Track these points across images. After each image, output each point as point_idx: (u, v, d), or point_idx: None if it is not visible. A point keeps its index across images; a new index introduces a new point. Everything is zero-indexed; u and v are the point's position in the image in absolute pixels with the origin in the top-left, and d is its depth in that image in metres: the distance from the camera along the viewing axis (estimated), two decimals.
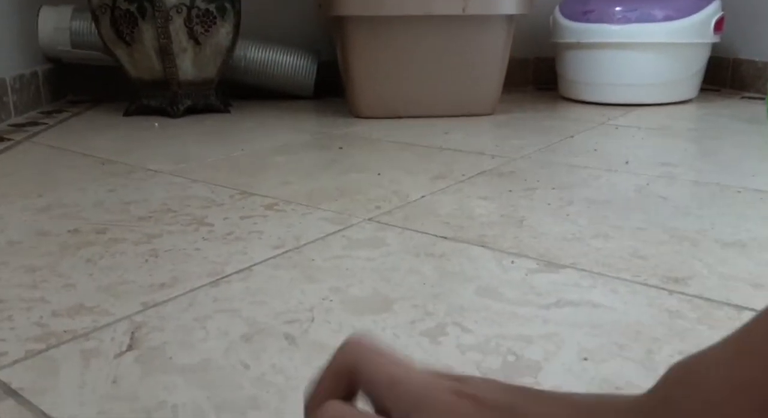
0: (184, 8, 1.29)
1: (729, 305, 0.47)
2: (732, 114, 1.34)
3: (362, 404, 0.23)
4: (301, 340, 0.42)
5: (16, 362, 0.39)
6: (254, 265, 0.55)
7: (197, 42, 1.32)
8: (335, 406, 0.21)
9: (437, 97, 1.33)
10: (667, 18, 1.40)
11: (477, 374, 0.38)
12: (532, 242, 0.60)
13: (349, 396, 0.23)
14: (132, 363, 0.39)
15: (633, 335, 0.42)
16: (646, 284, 0.50)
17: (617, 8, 1.42)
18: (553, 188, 0.78)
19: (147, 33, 1.29)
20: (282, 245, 0.59)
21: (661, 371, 0.18)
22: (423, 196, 0.75)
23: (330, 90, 1.64)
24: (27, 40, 1.43)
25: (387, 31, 1.26)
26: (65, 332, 0.43)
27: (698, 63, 1.47)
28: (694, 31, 1.41)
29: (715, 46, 1.52)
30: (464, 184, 0.81)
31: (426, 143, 1.07)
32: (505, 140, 1.09)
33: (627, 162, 0.92)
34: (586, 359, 0.39)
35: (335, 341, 0.42)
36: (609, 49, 1.44)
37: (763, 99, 1.52)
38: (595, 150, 1.00)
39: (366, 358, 0.22)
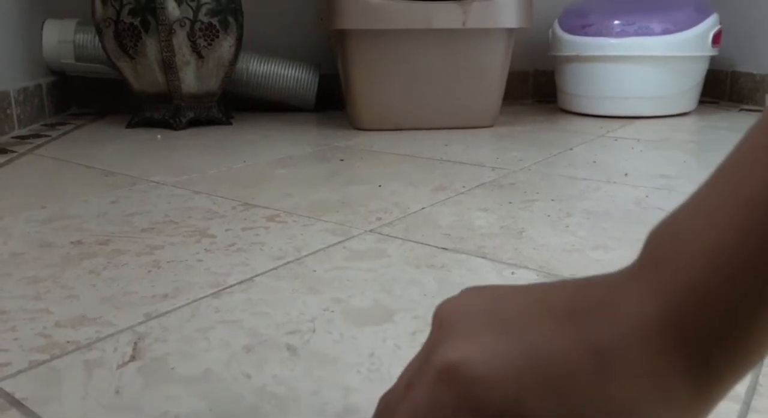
0: (187, 22, 1.30)
1: None
2: (730, 126, 1.35)
3: None
4: (302, 351, 0.42)
5: (19, 372, 0.40)
6: (256, 276, 0.55)
7: (200, 55, 1.34)
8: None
9: (437, 110, 1.34)
10: (666, 31, 1.41)
11: None
12: (532, 254, 0.60)
13: None
14: (135, 374, 0.39)
15: None
16: None
17: (616, 22, 1.44)
18: (553, 200, 0.79)
19: (150, 46, 1.30)
20: (283, 256, 0.60)
21: None
22: (423, 208, 0.76)
23: (331, 103, 1.65)
24: (31, 53, 1.45)
25: (388, 44, 1.27)
26: (68, 342, 0.43)
27: (697, 76, 1.49)
28: (693, 45, 1.43)
29: (713, 59, 1.53)
30: (464, 195, 0.81)
31: (426, 155, 1.08)
32: (505, 152, 1.10)
33: (626, 174, 0.92)
34: None
35: (337, 352, 0.42)
36: (608, 62, 1.45)
37: (761, 111, 1.53)
38: (595, 162, 1.01)
39: None
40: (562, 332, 0.18)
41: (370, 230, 0.67)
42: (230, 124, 1.44)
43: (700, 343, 0.17)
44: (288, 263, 0.58)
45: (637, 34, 1.42)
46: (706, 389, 0.17)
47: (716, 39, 1.45)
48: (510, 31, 1.30)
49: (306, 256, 0.60)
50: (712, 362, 0.17)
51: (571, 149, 1.12)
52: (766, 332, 0.16)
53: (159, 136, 1.29)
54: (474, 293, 0.22)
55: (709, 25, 1.44)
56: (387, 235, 0.66)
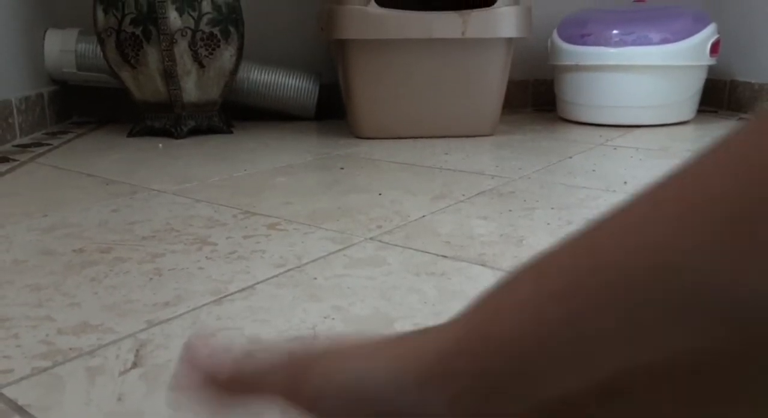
0: (189, 31, 1.31)
1: None
2: None
3: None
4: None
5: (22, 379, 0.40)
6: (257, 283, 0.55)
7: (201, 65, 1.35)
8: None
9: (437, 119, 1.34)
10: (664, 41, 1.42)
11: None
12: None
13: None
14: (137, 380, 0.40)
15: None
16: None
17: (614, 31, 1.45)
18: (552, 208, 0.79)
19: (152, 56, 1.31)
20: (284, 263, 0.60)
21: None
22: (423, 216, 0.76)
23: (331, 111, 1.66)
24: (33, 62, 1.46)
25: (388, 54, 1.28)
26: (71, 349, 0.44)
27: (695, 85, 1.49)
28: (691, 54, 1.44)
29: (711, 69, 1.54)
30: (464, 204, 0.82)
31: (426, 164, 1.08)
32: (505, 161, 1.10)
33: (625, 182, 0.93)
34: None
35: None
36: (607, 71, 1.46)
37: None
38: (594, 171, 1.01)
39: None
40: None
41: (371, 238, 0.68)
42: (231, 133, 1.44)
43: (465, 392, 0.17)
44: (288, 270, 0.58)
45: (635, 43, 1.43)
46: None
47: (714, 48, 1.46)
48: (509, 40, 1.31)
49: (306, 263, 0.60)
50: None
51: (571, 158, 1.12)
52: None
53: (160, 145, 1.29)
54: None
55: (707, 35, 1.45)
56: (387, 243, 0.66)
